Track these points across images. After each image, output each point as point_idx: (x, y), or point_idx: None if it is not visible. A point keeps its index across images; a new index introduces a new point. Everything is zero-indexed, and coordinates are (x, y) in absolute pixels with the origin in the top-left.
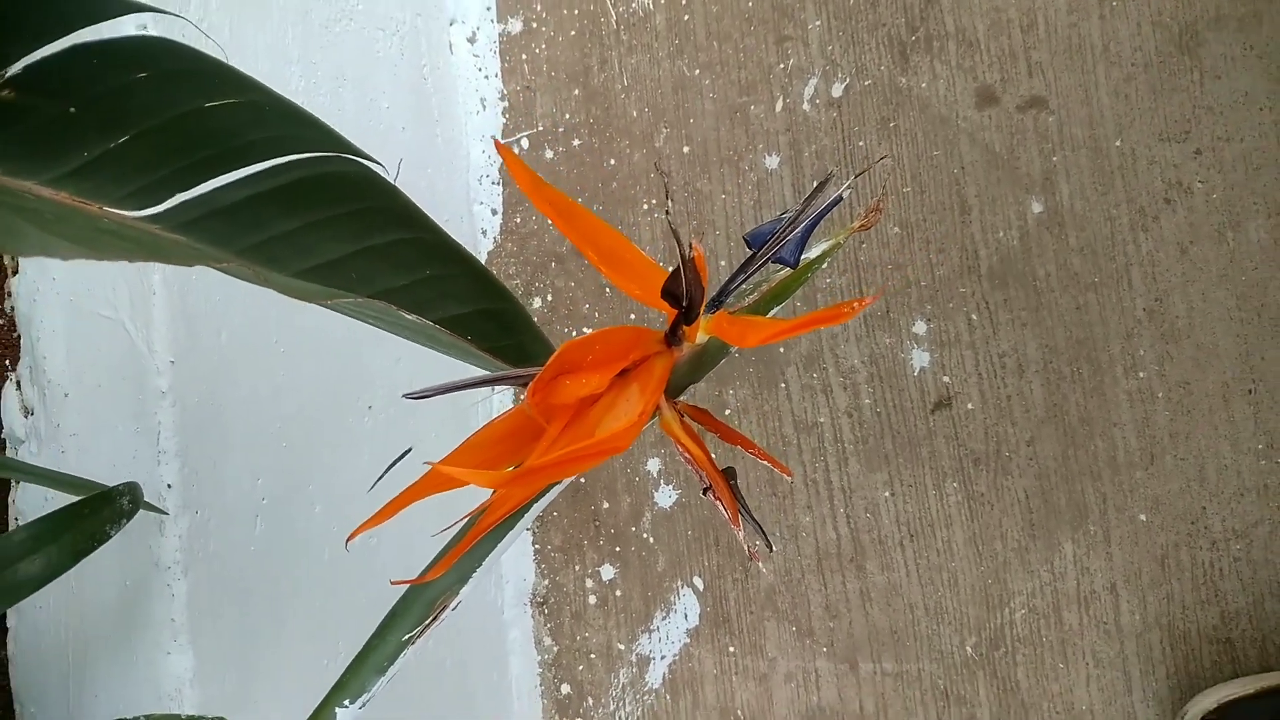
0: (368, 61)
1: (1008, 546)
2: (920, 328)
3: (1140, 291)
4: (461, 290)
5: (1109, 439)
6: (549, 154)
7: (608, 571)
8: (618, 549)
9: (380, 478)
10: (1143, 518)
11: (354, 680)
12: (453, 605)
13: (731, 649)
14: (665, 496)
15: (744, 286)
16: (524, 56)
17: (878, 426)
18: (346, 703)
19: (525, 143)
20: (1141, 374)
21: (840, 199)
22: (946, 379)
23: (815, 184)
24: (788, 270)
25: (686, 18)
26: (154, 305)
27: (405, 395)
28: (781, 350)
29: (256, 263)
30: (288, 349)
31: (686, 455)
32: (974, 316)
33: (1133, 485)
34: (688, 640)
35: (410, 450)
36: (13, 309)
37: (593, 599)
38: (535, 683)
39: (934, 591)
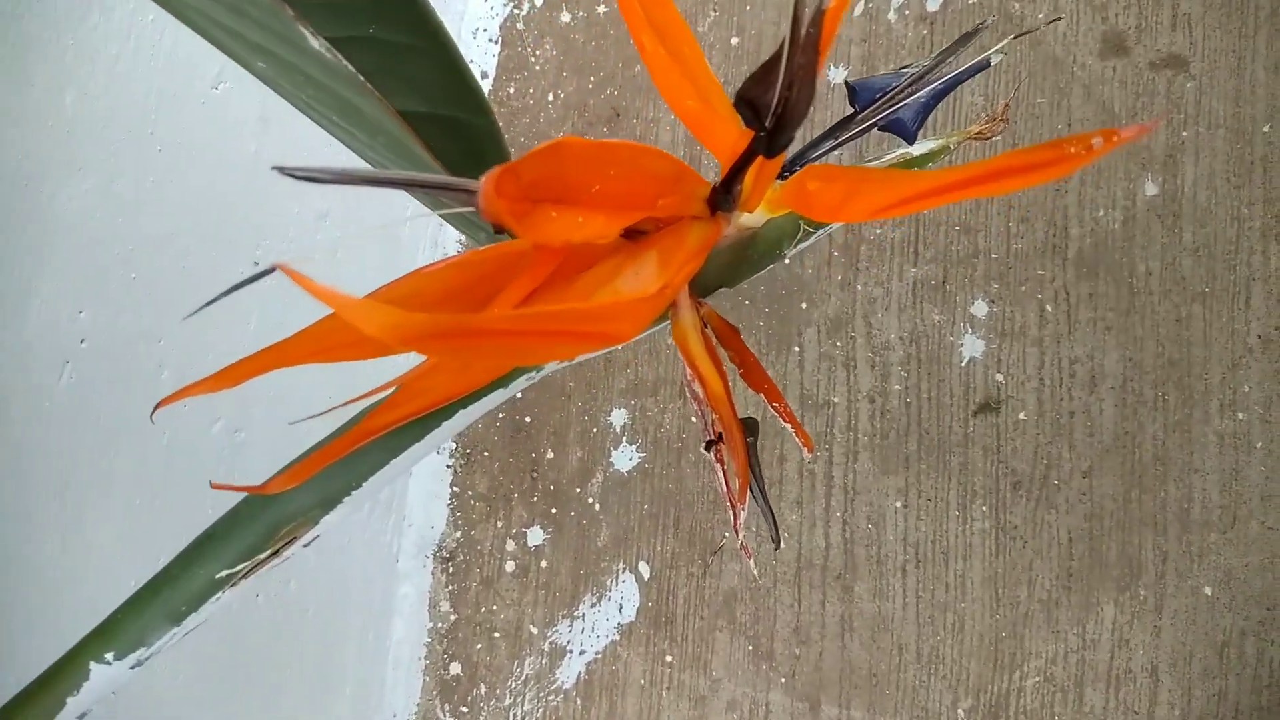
0: None
1: (1034, 596)
2: (980, 309)
3: (1259, 314)
4: (419, 75)
5: (1185, 486)
6: (566, 16)
7: (536, 535)
8: (554, 511)
9: (211, 302)
10: (1208, 591)
11: (130, 625)
12: (305, 539)
13: (669, 657)
14: (625, 458)
15: (827, 159)
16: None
17: (904, 420)
18: (110, 657)
19: (540, 1)
20: (1241, 415)
21: (988, 64)
22: (1000, 377)
23: (959, 36)
24: (879, 165)
25: None
26: None
27: (276, 167)
28: (804, 306)
29: None
30: (167, 146)
31: (697, 385)
32: (1049, 307)
33: (1203, 549)
34: (617, 637)
35: (274, 269)
36: None
37: (511, 565)
38: (420, 654)
39: (932, 634)
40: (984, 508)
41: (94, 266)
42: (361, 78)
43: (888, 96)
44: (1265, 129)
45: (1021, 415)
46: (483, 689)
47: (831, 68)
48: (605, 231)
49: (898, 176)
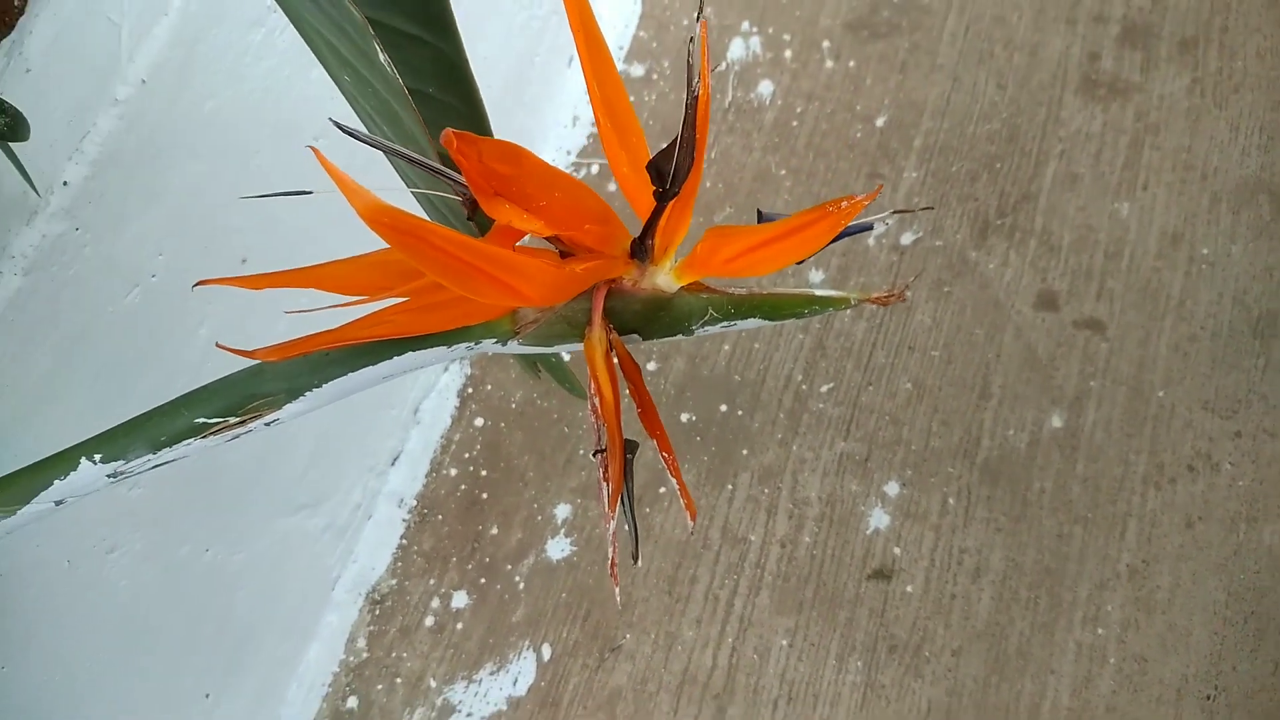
0: (489, 4)
1: None
2: (893, 489)
3: (1130, 546)
4: (458, 127)
5: (1040, 684)
6: (613, 186)
7: (460, 599)
8: (483, 580)
9: (259, 195)
10: None
11: (119, 440)
12: (268, 418)
13: None
14: (558, 548)
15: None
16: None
17: (806, 569)
18: (98, 458)
19: (595, 169)
20: (1100, 630)
21: (870, 227)
22: (897, 550)
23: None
24: (785, 290)
25: (795, 124)
26: (160, 24)
27: (333, 119)
28: (745, 453)
29: None
30: (268, 164)
31: (595, 398)
32: (951, 500)
33: None
34: (505, 708)
35: (310, 192)
36: None
37: (431, 620)
38: (324, 680)
39: None
40: (859, 663)
41: (183, 227)
42: (406, 91)
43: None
44: (1160, 394)
45: (909, 588)
46: None
47: (814, 269)
48: (541, 230)
49: (734, 234)
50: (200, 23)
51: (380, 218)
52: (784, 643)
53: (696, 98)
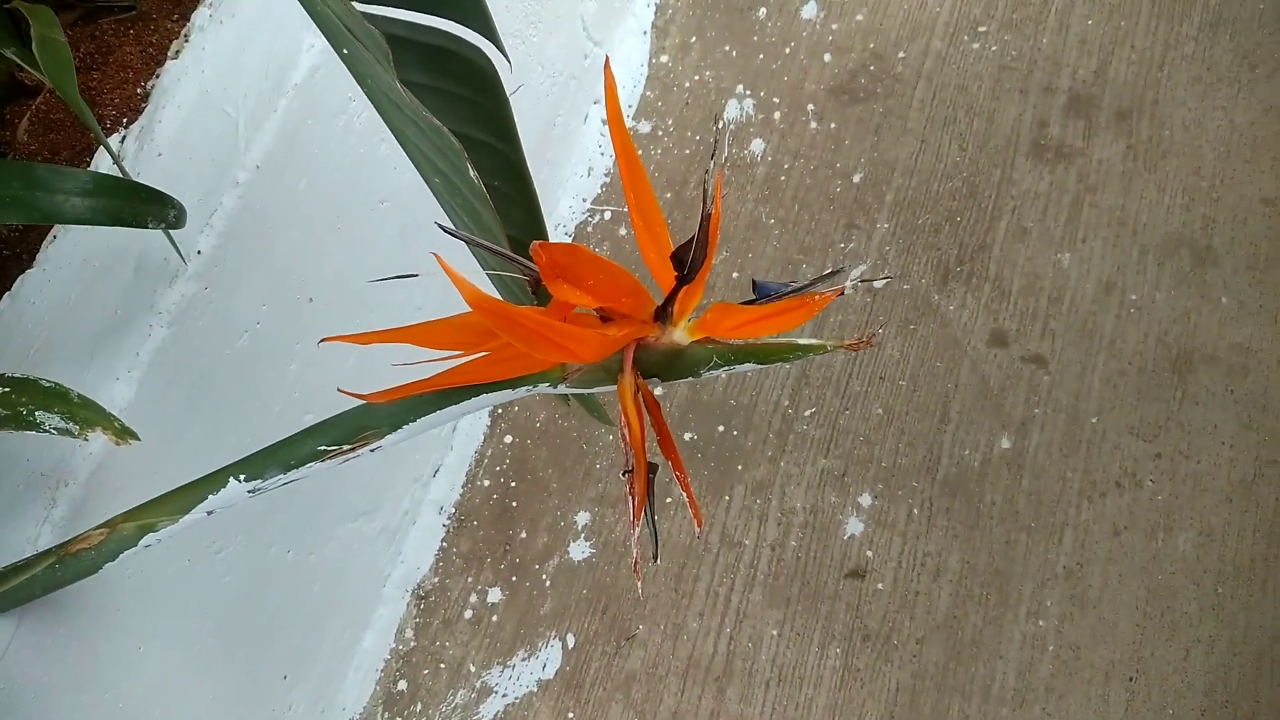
0: (512, 81)
1: None
2: (866, 500)
3: (1067, 551)
4: (516, 217)
5: (990, 667)
6: (623, 231)
7: (495, 595)
8: (514, 579)
9: (375, 279)
10: None
11: (258, 463)
12: (373, 446)
13: (571, 714)
14: (579, 550)
15: None
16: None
17: (793, 568)
18: (243, 478)
19: (608, 214)
20: (1041, 622)
21: (843, 292)
22: (870, 554)
23: (829, 271)
24: (774, 341)
25: (783, 179)
26: (271, 119)
27: (438, 223)
28: (740, 468)
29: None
30: (345, 227)
31: (625, 429)
32: (915, 511)
33: (995, 719)
34: (535, 689)
35: (416, 275)
36: (153, 84)
37: (469, 613)
38: (378, 665)
39: None
40: (838, 649)
41: (281, 288)
42: (488, 196)
43: (777, 295)
44: (1093, 420)
45: (880, 586)
46: (419, 707)
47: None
48: (590, 304)
49: (735, 310)
50: (299, 115)
51: (481, 304)
52: (774, 632)
53: (709, 215)
